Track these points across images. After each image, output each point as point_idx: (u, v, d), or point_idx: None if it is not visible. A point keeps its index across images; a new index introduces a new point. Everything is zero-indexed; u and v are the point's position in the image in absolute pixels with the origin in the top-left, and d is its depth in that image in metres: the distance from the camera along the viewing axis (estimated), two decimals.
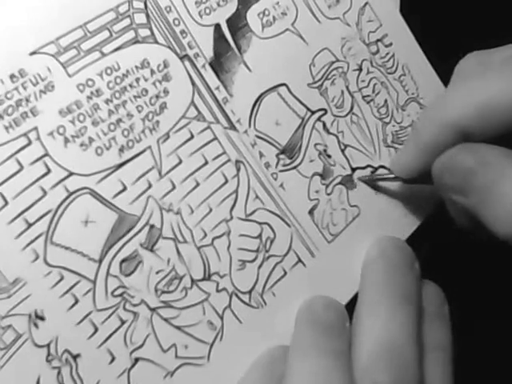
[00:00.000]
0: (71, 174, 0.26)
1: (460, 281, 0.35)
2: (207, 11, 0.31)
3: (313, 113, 0.33)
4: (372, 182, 0.33)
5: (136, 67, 0.29)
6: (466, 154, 0.26)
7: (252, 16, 0.32)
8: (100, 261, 0.27)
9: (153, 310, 0.27)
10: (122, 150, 0.28)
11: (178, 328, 0.27)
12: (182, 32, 0.30)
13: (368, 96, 0.35)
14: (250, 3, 0.32)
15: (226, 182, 0.30)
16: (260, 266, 0.30)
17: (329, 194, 0.32)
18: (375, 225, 0.33)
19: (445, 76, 0.35)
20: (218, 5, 0.31)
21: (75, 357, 0.26)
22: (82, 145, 0.27)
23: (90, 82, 0.28)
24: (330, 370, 0.26)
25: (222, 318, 0.28)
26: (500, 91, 0.25)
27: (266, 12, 0.33)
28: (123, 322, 0.26)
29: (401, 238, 0.32)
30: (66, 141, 0.27)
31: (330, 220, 0.32)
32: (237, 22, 0.32)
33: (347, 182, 0.33)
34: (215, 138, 0.30)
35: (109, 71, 0.28)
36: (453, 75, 0.31)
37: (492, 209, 0.24)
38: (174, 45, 0.30)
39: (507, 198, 0.24)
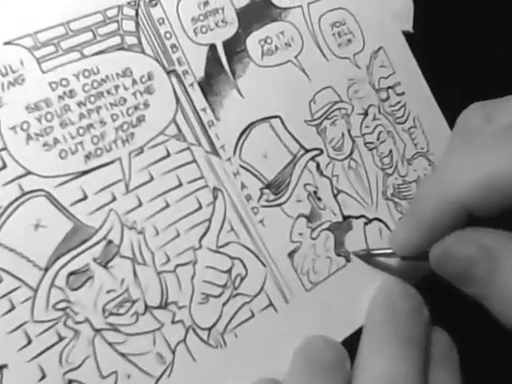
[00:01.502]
0: (29, 172, 0.30)
1: (470, 326, 0.40)
2: (203, 30, 0.38)
3: (307, 151, 0.37)
4: (367, 258, 0.36)
5: (117, 74, 0.34)
6: (466, 244, 0.30)
7: (252, 42, 0.37)
8: (46, 269, 0.29)
9: (97, 330, 0.30)
10: (88, 156, 0.32)
11: (123, 355, 0.30)
12: (173, 46, 0.36)
13: (371, 143, 0.39)
14: (251, 29, 0.39)
15: (200, 208, 0.34)
16: (225, 304, 0.32)
17: (314, 239, 0.36)
18: (361, 280, 0.37)
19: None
20: (217, 25, 0.38)
21: (1, 367, 0.28)
22: (45, 144, 0.30)
23: (64, 82, 0.32)
24: None
25: (173, 352, 0.31)
26: (507, 167, 0.28)
27: (268, 40, 0.39)
28: (61, 339, 0.29)
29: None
30: (29, 138, 0.30)
31: (311, 266, 0.35)
32: (235, 46, 0.38)
33: (336, 229, 0.37)
34: (194, 161, 0.35)
35: (87, 74, 0.33)
36: (454, 130, 0.35)
37: (497, 300, 0.28)
38: (162, 58, 0.36)
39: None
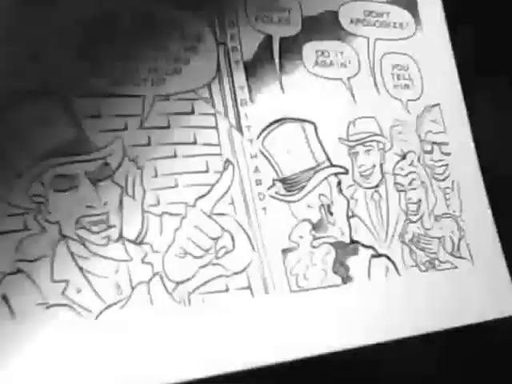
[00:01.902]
0: None
1: None
2: (265, 19, 0.43)
3: (332, 165, 0.41)
4: None
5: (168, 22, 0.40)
6: None
7: (309, 48, 0.42)
8: (40, 160, 0.33)
9: (64, 236, 0.33)
10: (115, 82, 0.38)
11: (80, 269, 0.33)
12: (231, 22, 0.42)
13: (401, 185, 0.42)
14: (311, 37, 0.45)
15: (207, 171, 0.37)
16: (203, 267, 0.35)
17: (314, 247, 0.40)
18: (352, 305, 0.39)
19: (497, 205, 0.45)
20: (280, 21, 0.43)
21: None
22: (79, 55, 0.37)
23: None
24: None
25: (133, 288, 0.34)
26: None
27: (326, 54, 0.44)
28: (26, 229, 0.32)
29: None
30: None
31: (303, 272, 0.38)
32: (290, 45, 0.42)
33: (340, 248, 0.40)
34: (215, 128, 0.38)
35: None
36: None
37: None
38: (217, 27, 0.41)
39: None
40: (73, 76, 0.35)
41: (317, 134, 0.40)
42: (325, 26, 0.43)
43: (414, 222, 0.42)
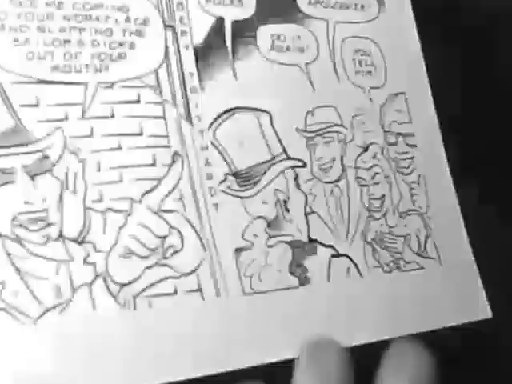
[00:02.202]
0: None
1: None
2: (216, 1, 0.45)
3: (289, 158, 0.43)
4: None
5: (113, 6, 0.41)
6: None
7: (264, 33, 0.43)
8: None
9: None
10: (55, 68, 0.39)
11: (18, 270, 0.34)
12: (179, 4, 0.44)
13: (363, 179, 0.44)
14: (267, 20, 0.46)
15: (153, 165, 0.38)
16: (149, 268, 0.37)
17: (269, 247, 0.41)
18: (312, 308, 0.41)
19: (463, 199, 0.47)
20: (232, 3, 0.45)
21: None
22: (15, 40, 0.37)
23: None
24: None
25: (74, 290, 0.35)
26: None
27: (282, 37, 0.45)
28: None
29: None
30: (2, 28, 0.38)
31: (257, 272, 0.39)
32: (244, 29, 0.44)
33: (297, 247, 0.41)
34: (163, 117, 0.39)
35: None
36: None
37: None
38: (164, 10, 0.43)
39: None
40: (8, 61, 0.36)
41: (272, 124, 0.42)
42: (281, 7, 0.45)
43: (378, 219, 0.44)
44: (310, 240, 0.41)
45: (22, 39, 0.37)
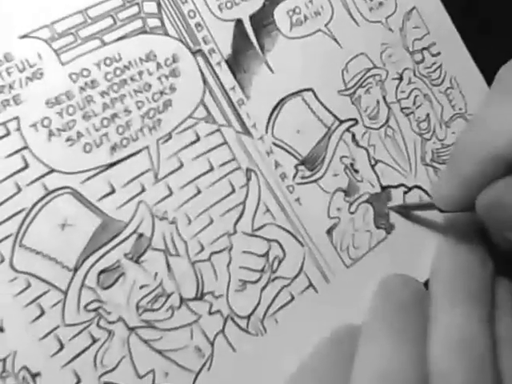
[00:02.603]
0: (52, 170, 0.22)
1: None
2: (228, 5, 0.27)
3: (341, 122, 0.27)
4: (405, 211, 0.28)
5: (140, 59, 0.25)
6: None
7: (280, 13, 0.27)
8: (75, 269, 0.22)
9: (131, 329, 0.22)
10: (114, 148, 0.23)
11: (160, 352, 0.22)
12: (198, 25, 0.26)
13: (407, 108, 0.29)
14: (278, 0, 0.29)
15: (233, 191, 0.25)
16: (263, 289, 0.24)
17: (352, 213, 0.27)
18: (402, 252, 0.27)
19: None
20: None
21: (34, 375, 0.20)
22: (68, 139, 0.22)
23: (85, 72, 0.23)
24: (403, 353, 0.23)
25: (212, 344, 0.23)
26: None
27: (297, 10, 0.28)
28: (95, 341, 0.21)
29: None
30: (51, 134, 0.22)
31: (350, 242, 0.26)
32: (262, 19, 0.28)
33: (375, 200, 0.27)
34: (225, 143, 0.25)
35: (108, 61, 0.24)
36: (493, 85, 0.26)
37: None
38: (187, 38, 0.26)
39: None
40: (69, 164, 0.21)
41: (317, 98, 0.27)
42: None
43: (429, 139, 0.28)
44: (383, 188, 0.25)
45: (73, 136, 0.22)
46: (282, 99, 0.27)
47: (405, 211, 0.28)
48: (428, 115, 0.29)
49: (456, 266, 0.26)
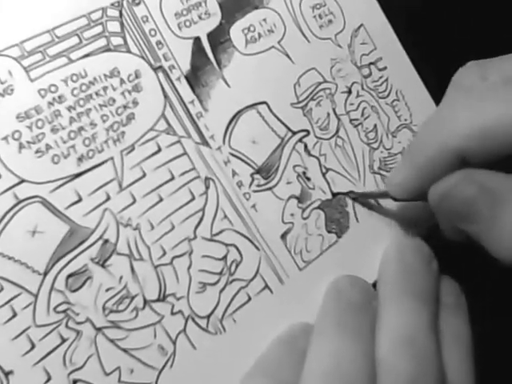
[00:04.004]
0: (23, 181, 0.25)
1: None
2: (187, 24, 0.31)
3: (294, 133, 0.31)
4: (363, 199, 0.31)
5: (105, 75, 0.28)
6: (467, 183, 0.26)
7: (236, 31, 0.31)
8: (45, 274, 0.24)
9: (98, 329, 0.25)
10: (80, 159, 0.27)
11: (125, 350, 0.25)
12: (158, 43, 0.30)
13: (356, 120, 0.33)
14: (234, 18, 0.32)
15: (193, 199, 0.28)
16: (222, 290, 0.27)
17: (305, 219, 0.30)
18: (353, 254, 0.31)
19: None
20: (200, 18, 0.31)
21: (7, 373, 0.23)
22: (37, 151, 0.25)
23: (52, 88, 0.26)
24: (352, 350, 0.26)
25: (174, 342, 0.26)
26: (503, 115, 0.25)
27: (252, 28, 0.32)
28: (64, 340, 0.24)
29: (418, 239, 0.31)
30: (21, 146, 0.25)
31: (303, 246, 0.30)
32: (218, 37, 0.31)
33: (326, 206, 0.31)
34: (185, 153, 0.29)
35: (75, 78, 0.28)
36: (449, 86, 0.30)
37: (496, 238, 0.25)
38: (148, 55, 0.29)
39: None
40: (38, 174, 0.24)
41: (271, 111, 0.31)
42: (240, 0, 0.30)
43: (377, 148, 0.32)
44: (334, 195, 0.29)
45: (42, 148, 0.25)
46: (238, 112, 0.30)
47: (362, 199, 0.31)
48: (375, 126, 0.34)
49: (402, 266, 0.29)
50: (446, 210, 0.27)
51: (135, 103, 0.28)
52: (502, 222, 0.25)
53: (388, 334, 0.27)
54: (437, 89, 0.34)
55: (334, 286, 0.29)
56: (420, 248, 0.30)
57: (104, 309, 0.25)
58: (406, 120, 0.34)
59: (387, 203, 0.32)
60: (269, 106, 0.31)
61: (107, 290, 0.26)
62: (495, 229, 0.25)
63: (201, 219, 0.28)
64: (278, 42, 0.32)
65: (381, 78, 0.34)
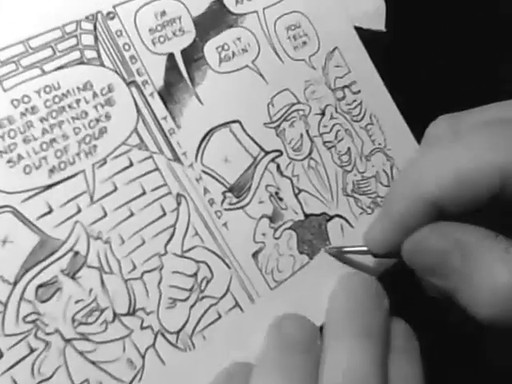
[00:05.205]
0: None
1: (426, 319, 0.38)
2: (161, 40, 0.37)
3: (266, 153, 0.36)
4: (339, 255, 0.36)
5: (78, 88, 0.34)
6: (439, 236, 0.29)
7: (210, 49, 0.36)
8: (15, 283, 0.29)
9: (67, 340, 0.29)
10: (52, 170, 0.32)
11: (93, 363, 0.29)
12: (132, 58, 0.36)
13: (329, 142, 0.38)
14: (208, 36, 0.38)
15: (164, 214, 0.33)
16: (192, 306, 0.32)
17: (277, 239, 0.36)
18: (324, 276, 0.36)
19: (416, 126, 0.41)
20: (174, 34, 0.37)
21: None
22: (9, 161, 0.30)
23: (25, 99, 0.31)
24: None
25: (143, 357, 0.30)
26: (476, 160, 0.29)
27: (226, 47, 0.38)
28: (32, 351, 0.28)
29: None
30: None
31: (275, 265, 0.35)
32: (192, 54, 0.37)
33: (298, 227, 0.36)
34: (157, 169, 0.34)
35: (48, 89, 0.33)
36: (423, 140, 0.35)
37: (472, 296, 0.28)
38: (122, 70, 0.35)
39: (486, 282, 0.27)
40: (9, 184, 0.29)
41: (244, 130, 0.36)
42: (215, 18, 0.37)
43: (350, 171, 0.38)
44: (306, 216, 0.35)
45: (14, 158, 0.30)
46: (211, 129, 0.36)
47: (339, 255, 0.36)
48: (349, 149, 0.40)
49: (349, 303, 0.33)
50: (419, 265, 0.31)
51: (108, 117, 0.33)
52: (477, 280, 0.28)
53: (330, 372, 0.30)
54: (411, 114, 0.41)
55: (275, 325, 0.33)
56: (371, 285, 0.34)
57: (73, 320, 0.30)
58: (380, 144, 0.41)
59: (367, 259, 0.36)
60: (242, 125, 0.37)
61: (76, 301, 0.31)
62: (471, 286, 0.28)
63: (172, 235, 0.33)
64: (252, 62, 0.38)
65: (354, 101, 0.40)
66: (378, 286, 0.34)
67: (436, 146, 0.31)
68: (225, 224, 0.34)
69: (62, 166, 0.31)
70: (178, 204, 0.33)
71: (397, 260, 0.33)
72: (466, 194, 0.29)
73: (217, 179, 0.34)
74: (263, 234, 0.35)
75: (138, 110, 0.33)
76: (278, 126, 0.37)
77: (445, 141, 0.32)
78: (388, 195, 0.34)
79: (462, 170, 0.29)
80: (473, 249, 0.28)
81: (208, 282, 0.33)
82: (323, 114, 0.38)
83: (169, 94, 0.34)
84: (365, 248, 0.34)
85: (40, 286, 0.30)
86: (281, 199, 0.36)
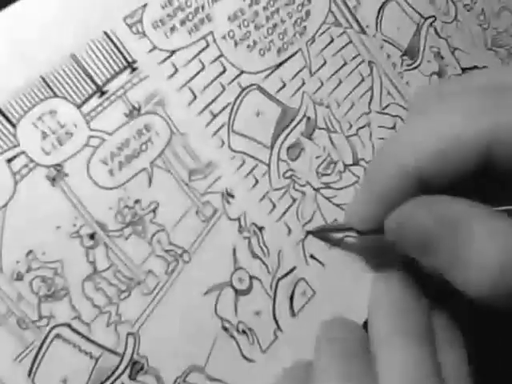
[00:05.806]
0: (242, 72, 0.37)
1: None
2: None
3: (425, 19, 0.45)
4: (323, 235, 0.37)
5: None
6: (423, 212, 0.29)
7: None
8: (271, 147, 0.37)
9: (316, 189, 0.37)
10: (279, 51, 0.39)
11: (338, 205, 0.40)
12: None
13: (467, 5, 0.46)
14: None
15: (363, 80, 0.41)
16: None
17: None
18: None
19: None
20: None
21: (260, 228, 0.37)
22: (248, 46, 0.37)
23: None
24: None
25: None
26: (453, 127, 0.28)
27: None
28: (294, 200, 0.37)
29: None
30: (236, 43, 0.37)
31: None
32: None
33: None
34: (351, 42, 0.41)
35: None
36: (408, 108, 0.39)
37: (459, 272, 0.27)
38: None
39: (475, 260, 0.27)
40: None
41: (407, 1, 0.44)
42: None
43: (487, 28, 0.48)
44: (463, 70, 0.45)
45: (251, 43, 0.39)
46: (383, 3, 0.45)
47: (322, 234, 0.37)
48: (483, 10, 0.49)
49: (392, 306, 0.32)
50: (404, 243, 0.30)
51: (309, 0, 0.42)
52: (465, 257, 0.27)
53: (387, 374, 0.30)
54: None
55: (326, 329, 0.34)
56: (407, 285, 0.34)
57: (317, 173, 0.40)
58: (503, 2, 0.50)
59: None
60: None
61: (316, 157, 0.40)
62: (459, 265, 0.27)
63: (371, 96, 0.43)
64: None
65: None
66: (412, 283, 0.34)
67: (420, 115, 0.31)
68: (407, 83, 0.44)
69: (285, 46, 0.40)
70: (371, 70, 0.42)
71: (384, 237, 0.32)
72: (449, 164, 0.29)
73: (394, 45, 0.43)
74: None
75: None
76: None
77: (429, 108, 0.31)
78: (369, 167, 0.35)
79: (443, 138, 0.28)
80: (459, 225, 0.27)
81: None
82: None
83: None
84: (347, 224, 0.35)
85: (289, 147, 0.39)
86: (442, 58, 0.45)
